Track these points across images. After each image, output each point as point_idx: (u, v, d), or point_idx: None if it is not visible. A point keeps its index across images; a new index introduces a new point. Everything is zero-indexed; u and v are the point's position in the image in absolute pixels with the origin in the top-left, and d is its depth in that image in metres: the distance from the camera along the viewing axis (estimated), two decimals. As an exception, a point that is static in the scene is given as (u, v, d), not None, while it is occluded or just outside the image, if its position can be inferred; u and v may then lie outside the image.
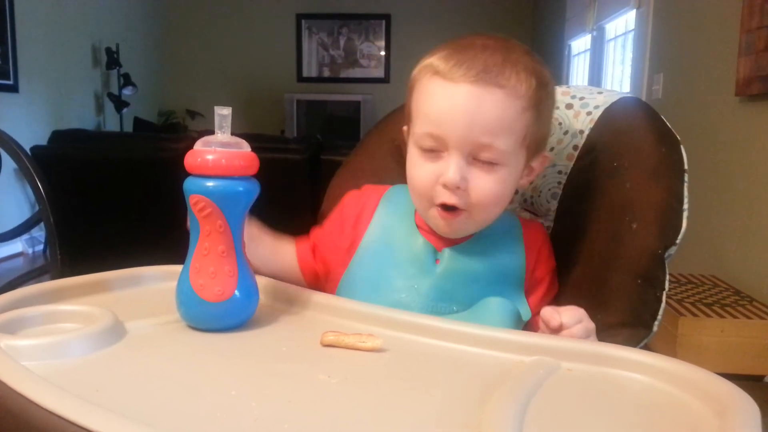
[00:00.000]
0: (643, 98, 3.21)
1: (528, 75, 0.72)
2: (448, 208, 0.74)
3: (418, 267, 0.77)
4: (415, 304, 0.75)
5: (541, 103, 0.73)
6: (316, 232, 0.88)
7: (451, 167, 0.71)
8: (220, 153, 0.64)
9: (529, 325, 0.77)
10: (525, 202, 0.93)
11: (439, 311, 0.75)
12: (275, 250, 0.84)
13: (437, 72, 0.72)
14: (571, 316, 0.65)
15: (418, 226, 0.80)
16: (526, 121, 0.72)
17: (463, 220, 0.74)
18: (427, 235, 0.79)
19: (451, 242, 0.78)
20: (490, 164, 0.72)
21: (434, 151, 0.73)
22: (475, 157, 0.72)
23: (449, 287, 0.76)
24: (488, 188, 0.72)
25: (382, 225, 0.82)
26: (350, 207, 0.86)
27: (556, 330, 0.65)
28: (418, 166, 0.75)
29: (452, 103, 0.71)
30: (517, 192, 0.91)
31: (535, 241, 0.81)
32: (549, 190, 0.90)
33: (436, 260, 0.78)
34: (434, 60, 0.73)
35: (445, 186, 0.72)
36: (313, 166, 2.90)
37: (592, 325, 0.66)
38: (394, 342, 0.63)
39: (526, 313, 0.77)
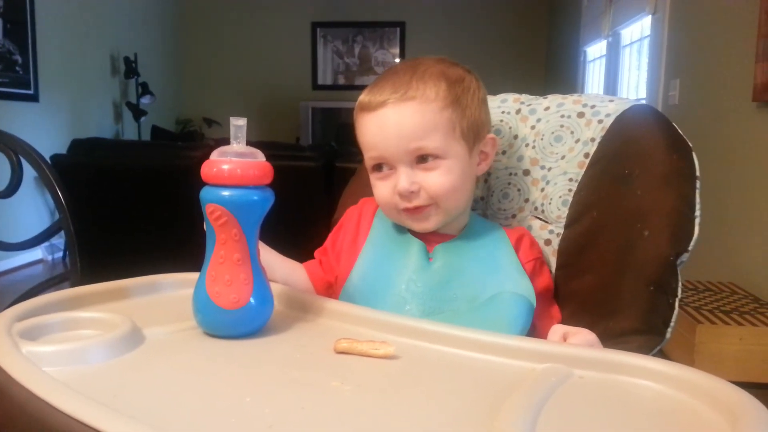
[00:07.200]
0: (659, 104, 3.20)
1: (436, 80, 0.81)
2: (412, 209, 0.82)
3: (413, 266, 0.83)
4: (415, 296, 0.80)
5: (460, 98, 0.82)
6: (321, 250, 0.94)
7: (400, 178, 0.80)
8: (235, 163, 0.65)
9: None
10: (536, 210, 0.93)
11: (441, 299, 0.80)
12: (285, 275, 0.87)
13: (362, 108, 0.83)
14: (581, 340, 0.67)
15: (409, 231, 0.86)
16: (448, 116, 0.80)
17: (432, 212, 0.82)
18: (418, 237, 0.86)
19: (441, 240, 0.85)
20: (432, 162, 0.80)
21: (383, 170, 0.83)
22: (417, 162, 0.81)
23: (446, 277, 0.82)
24: (439, 182, 0.80)
25: (378, 234, 0.89)
26: (350, 221, 0.93)
27: None
28: (376, 186, 0.85)
29: (378, 127, 0.81)
30: (478, 180, 0.95)
31: (514, 233, 0.87)
32: (560, 197, 0.90)
33: (429, 258, 0.84)
34: (361, 97, 0.84)
35: (400, 195, 0.81)
36: (327, 173, 2.92)
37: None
38: (407, 349, 0.64)
39: (531, 295, 0.80)
